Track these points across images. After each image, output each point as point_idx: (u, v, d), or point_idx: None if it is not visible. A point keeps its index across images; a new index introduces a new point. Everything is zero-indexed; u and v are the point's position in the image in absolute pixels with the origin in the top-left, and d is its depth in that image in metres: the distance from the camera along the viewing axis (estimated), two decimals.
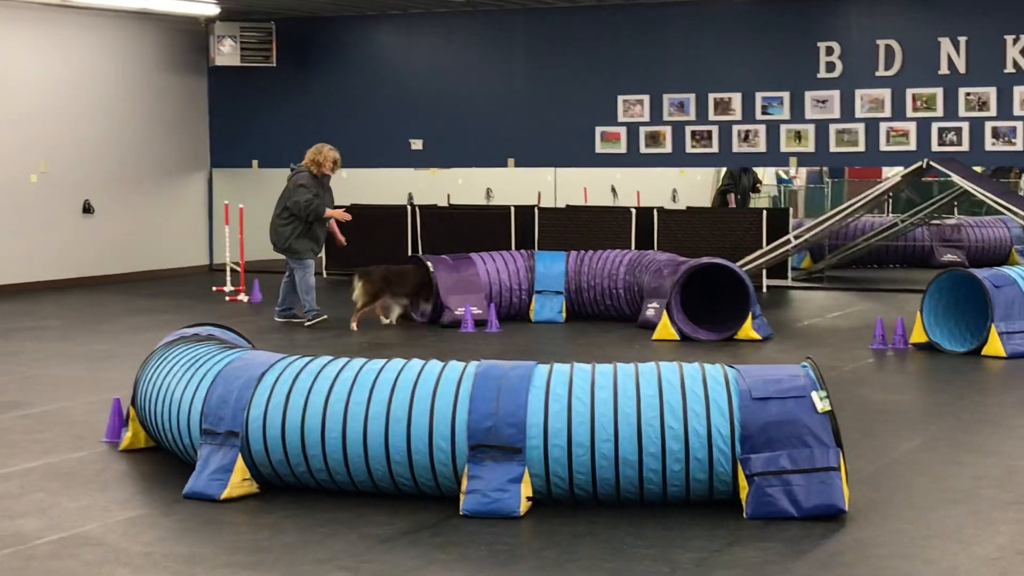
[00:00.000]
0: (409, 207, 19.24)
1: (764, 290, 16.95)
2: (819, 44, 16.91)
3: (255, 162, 20.23)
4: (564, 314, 14.21)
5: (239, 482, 6.91)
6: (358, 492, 6.93)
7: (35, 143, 18.02)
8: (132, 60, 19.41)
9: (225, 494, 6.85)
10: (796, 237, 16.29)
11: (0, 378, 10.81)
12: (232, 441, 6.93)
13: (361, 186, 20.52)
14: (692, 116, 17.57)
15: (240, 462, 6.91)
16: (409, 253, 17.94)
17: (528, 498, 6.55)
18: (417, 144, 19.38)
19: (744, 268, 15.10)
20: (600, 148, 18.16)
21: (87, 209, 18.78)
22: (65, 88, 18.47)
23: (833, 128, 16.86)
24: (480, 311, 13.74)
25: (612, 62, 18.03)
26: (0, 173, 17.56)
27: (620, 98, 17.96)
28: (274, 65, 19.63)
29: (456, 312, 13.67)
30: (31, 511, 6.74)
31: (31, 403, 9.70)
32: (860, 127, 16.73)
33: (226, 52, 19.37)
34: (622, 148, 18.02)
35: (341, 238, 14.46)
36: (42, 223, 18.13)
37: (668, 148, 17.78)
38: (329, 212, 13.86)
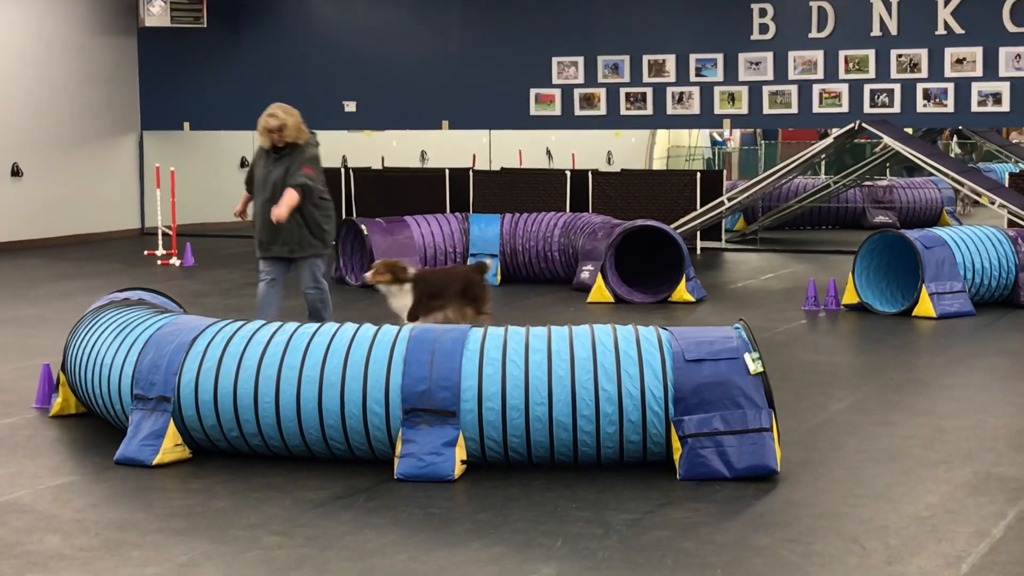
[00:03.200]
0: (343, 170, 19.13)
1: (698, 252, 17.02)
2: (752, 6, 16.92)
3: (186, 124, 20.02)
4: (499, 277, 14.21)
5: (171, 447, 6.86)
6: (291, 457, 6.90)
7: None
8: (61, 21, 19.12)
9: (157, 460, 6.80)
10: (730, 199, 16.36)
11: None
12: (164, 406, 6.87)
13: None
14: (626, 78, 17.55)
15: (172, 427, 6.86)
16: (343, 217, 17.85)
17: (462, 461, 6.54)
18: (351, 106, 19.24)
19: (678, 230, 15.17)
20: (535, 110, 18.12)
21: (15, 172, 18.53)
22: None
23: (766, 90, 16.90)
24: None
25: (546, 24, 17.97)
26: None
27: (554, 60, 17.91)
28: (204, 26, 19.41)
29: None
30: None
31: None
32: (793, 89, 16.78)
33: (156, 13, 19.14)
34: (556, 110, 17.98)
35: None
36: None
37: (602, 110, 17.76)
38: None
